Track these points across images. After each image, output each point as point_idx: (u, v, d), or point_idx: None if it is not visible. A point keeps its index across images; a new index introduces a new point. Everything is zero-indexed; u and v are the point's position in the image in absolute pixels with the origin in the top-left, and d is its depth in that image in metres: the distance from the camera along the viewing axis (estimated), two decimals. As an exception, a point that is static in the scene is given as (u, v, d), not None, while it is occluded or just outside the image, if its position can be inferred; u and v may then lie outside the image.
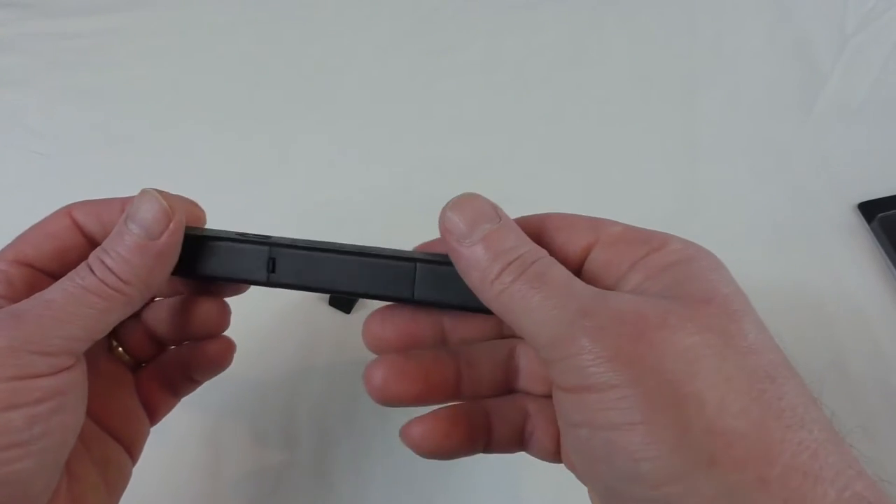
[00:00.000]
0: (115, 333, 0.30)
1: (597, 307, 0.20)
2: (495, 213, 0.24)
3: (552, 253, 0.23)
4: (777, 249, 0.47)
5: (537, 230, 0.24)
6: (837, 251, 0.47)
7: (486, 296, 0.22)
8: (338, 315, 0.45)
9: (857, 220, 0.48)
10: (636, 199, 0.50)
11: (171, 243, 0.25)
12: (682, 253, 0.22)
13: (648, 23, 0.61)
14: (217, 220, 0.51)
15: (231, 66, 0.60)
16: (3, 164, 0.54)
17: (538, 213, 0.26)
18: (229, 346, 0.32)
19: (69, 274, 0.24)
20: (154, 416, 0.31)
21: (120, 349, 0.30)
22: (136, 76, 0.59)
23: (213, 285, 0.30)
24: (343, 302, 0.45)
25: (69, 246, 0.27)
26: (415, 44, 0.61)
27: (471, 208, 0.24)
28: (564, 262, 0.23)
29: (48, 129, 0.56)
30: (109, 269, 0.24)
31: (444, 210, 0.24)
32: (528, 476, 0.39)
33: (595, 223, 0.24)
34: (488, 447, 0.26)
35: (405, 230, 0.49)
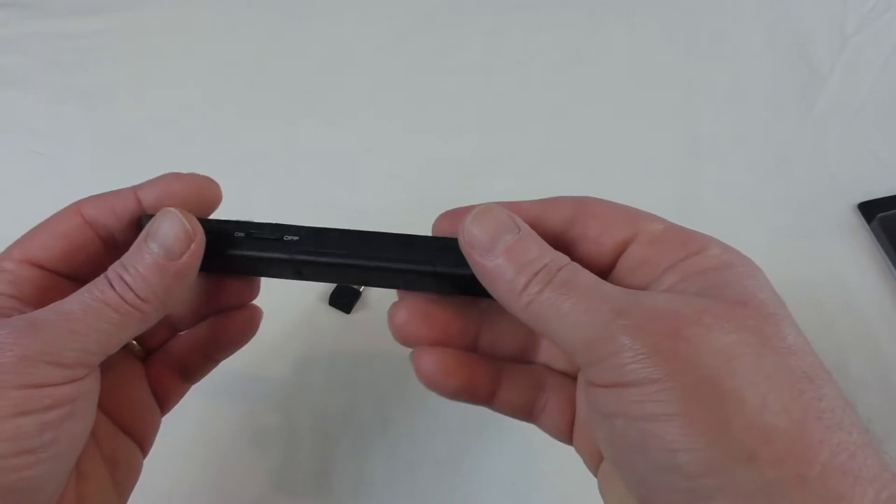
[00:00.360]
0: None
1: (630, 306, 0.20)
2: (514, 223, 0.23)
3: (585, 242, 0.23)
4: (777, 249, 0.47)
5: (572, 215, 0.24)
6: (837, 251, 0.47)
7: (515, 307, 0.22)
8: (338, 315, 0.45)
9: (857, 220, 0.48)
10: (636, 198, 0.50)
11: (191, 264, 0.25)
12: (720, 258, 0.22)
13: (648, 22, 0.61)
14: (218, 217, 0.51)
15: (231, 65, 0.60)
16: (3, 164, 0.54)
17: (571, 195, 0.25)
18: (256, 312, 0.31)
19: (88, 286, 0.24)
20: (165, 405, 0.30)
21: (132, 340, 0.30)
22: (136, 76, 0.59)
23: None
24: (343, 302, 0.45)
25: (80, 245, 0.26)
26: (415, 43, 0.61)
27: (491, 221, 0.23)
28: (598, 254, 0.23)
29: (48, 129, 0.56)
30: (128, 285, 0.23)
31: (463, 224, 0.24)
32: (529, 477, 0.39)
33: (633, 217, 0.24)
34: (492, 403, 0.26)
35: (405, 230, 0.49)
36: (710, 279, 0.21)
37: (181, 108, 0.57)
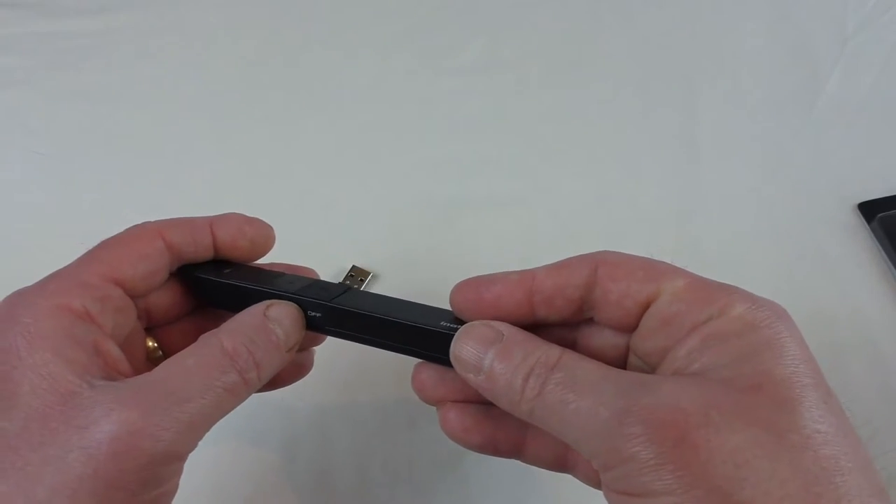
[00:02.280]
0: (155, 334, 0.29)
1: (633, 408, 0.19)
2: (497, 334, 0.23)
3: (607, 306, 0.23)
4: (777, 249, 0.47)
5: (589, 277, 0.23)
6: (837, 251, 0.47)
7: (522, 417, 0.22)
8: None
9: (857, 220, 0.48)
10: (636, 198, 0.50)
11: (293, 356, 0.26)
12: (743, 321, 0.20)
13: (648, 22, 0.61)
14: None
15: (231, 65, 0.60)
16: (3, 164, 0.54)
17: (584, 251, 0.24)
18: (310, 355, 0.32)
19: (204, 356, 0.23)
20: None
21: (160, 352, 0.29)
22: (136, 76, 0.59)
23: None
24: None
25: (160, 268, 0.26)
26: (415, 43, 0.61)
27: (470, 340, 0.23)
28: (622, 316, 0.22)
29: (48, 129, 0.56)
30: (256, 362, 0.24)
31: (451, 349, 0.24)
32: (529, 478, 0.39)
33: (654, 273, 0.22)
34: (520, 457, 0.26)
35: (405, 229, 0.49)
36: (729, 350, 0.20)
37: (181, 109, 0.57)
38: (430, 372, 0.26)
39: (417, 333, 0.25)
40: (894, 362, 0.42)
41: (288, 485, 0.40)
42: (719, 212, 0.49)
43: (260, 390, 0.29)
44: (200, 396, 0.22)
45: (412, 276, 0.46)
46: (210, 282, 0.27)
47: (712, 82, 0.57)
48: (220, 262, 0.29)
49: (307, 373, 0.32)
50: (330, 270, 0.46)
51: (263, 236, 0.30)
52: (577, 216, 0.50)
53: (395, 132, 0.55)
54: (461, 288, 0.25)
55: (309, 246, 0.48)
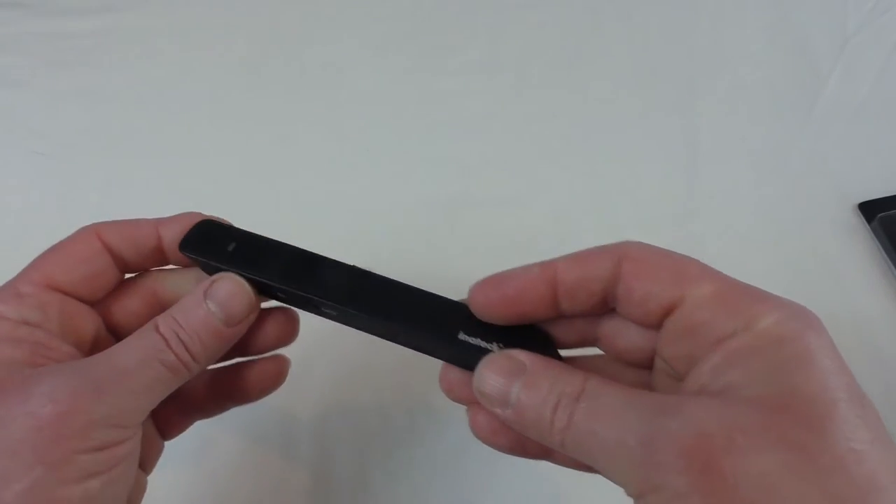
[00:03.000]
0: None
1: (658, 435, 0.18)
2: (520, 364, 0.22)
3: (630, 305, 0.22)
4: (777, 249, 0.47)
5: (612, 270, 0.22)
6: (837, 251, 0.47)
7: (553, 447, 0.21)
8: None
9: (857, 220, 0.48)
10: (636, 199, 0.50)
11: (244, 331, 0.26)
12: (770, 335, 0.19)
13: (648, 22, 0.61)
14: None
15: (231, 65, 0.60)
16: (3, 164, 0.54)
17: (607, 240, 0.23)
18: (283, 364, 0.30)
19: (139, 339, 0.24)
20: (169, 434, 0.30)
21: None
22: (136, 76, 0.59)
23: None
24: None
25: (99, 271, 0.26)
26: (415, 43, 0.61)
27: (493, 374, 0.22)
28: (644, 316, 0.22)
29: (48, 129, 0.56)
30: (185, 345, 0.24)
31: (473, 384, 0.23)
32: (529, 478, 0.39)
33: (680, 275, 0.21)
34: (550, 458, 0.26)
35: (406, 229, 0.49)
36: (756, 367, 0.19)
37: (181, 108, 0.57)
38: (458, 373, 0.25)
39: (434, 344, 0.25)
40: (894, 361, 0.42)
41: (288, 485, 0.40)
42: (719, 212, 0.49)
43: (234, 398, 0.30)
44: (139, 370, 0.23)
45: (412, 277, 0.46)
46: (208, 265, 0.27)
47: (712, 82, 0.57)
48: (219, 231, 0.27)
49: (279, 383, 0.30)
50: (330, 270, 0.46)
51: None
52: (577, 216, 0.50)
53: (395, 132, 0.55)
54: (482, 287, 0.24)
55: (309, 246, 0.48)
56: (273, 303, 0.28)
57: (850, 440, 0.17)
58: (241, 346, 0.28)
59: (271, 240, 0.27)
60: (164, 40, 0.61)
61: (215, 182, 0.52)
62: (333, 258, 0.27)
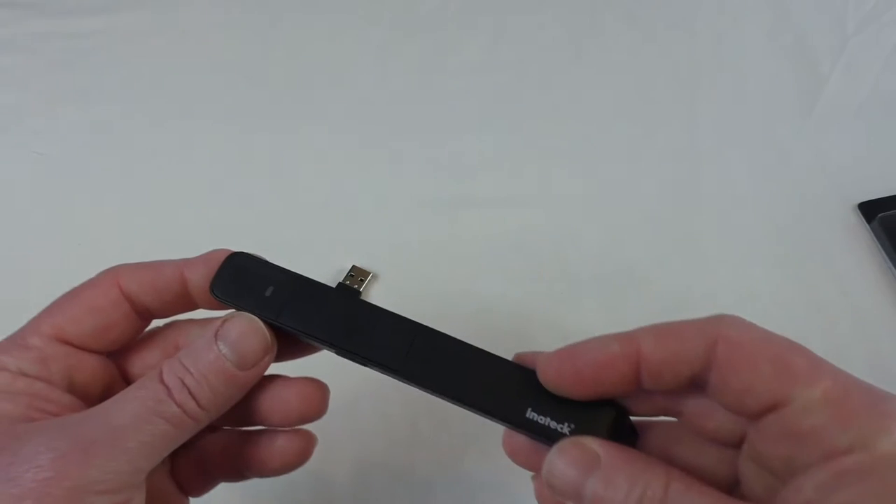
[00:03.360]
0: None
1: None
2: (592, 454, 0.20)
3: (724, 395, 0.19)
4: (777, 249, 0.47)
5: (704, 355, 0.20)
6: (837, 251, 0.47)
7: None
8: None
9: (857, 220, 0.48)
10: (636, 199, 0.50)
11: (259, 376, 0.23)
12: (881, 462, 0.17)
13: (648, 23, 0.61)
14: (218, 219, 0.51)
15: (231, 65, 0.60)
16: (3, 164, 0.54)
17: (704, 313, 0.21)
18: (310, 442, 0.27)
19: (138, 389, 0.22)
20: (192, 492, 0.27)
21: None
22: (136, 76, 0.59)
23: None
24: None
25: (114, 321, 0.24)
26: (415, 43, 0.61)
27: (564, 466, 0.20)
28: (739, 409, 0.19)
29: (48, 129, 0.56)
30: (191, 393, 0.22)
31: (543, 477, 0.21)
32: (527, 478, 0.39)
33: (787, 371, 0.18)
34: None
35: (405, 229, 0.49)
36: (872, 492, 0.17)
37: (181, 109, 0.57)
38: (523, 439, 0.23)
39: (499, 419, 0.23)
40: (894, 362, 0.42)
41: (288, 485, 0.40)
42: (719, 212, 0.49)
43: (252, 468, 0.27)
44: (135, 426, 0.21)
45: (412, 277, 0.46)
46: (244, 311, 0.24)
47: (712, 82, 0.57)
48: (254, 267, 0.25)
49: (302, 461, 0.27)
50: (330, 270, 0.46)
51: None
52: (577, 216, 0.50)
53: (395, 132, 0.55)
54: (553, 362, 0.22)
55: (309, 246, 0.48)
56: (300, 364, 0.26)
57: None
58: (262, 415, 0.26)
59: (314, 282, 0.25)
60: (163, 40, 0.61)
61: (215, 182, 0.52)
62: (385, 308, 0.24)
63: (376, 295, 0.46)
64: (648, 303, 0.45)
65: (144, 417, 0.21)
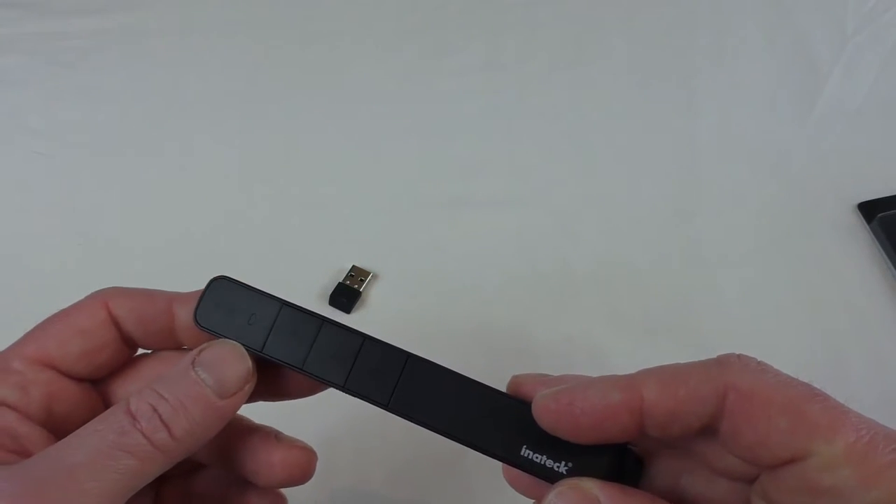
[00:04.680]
0: None
1: None
2: (591, 499, 0.19)
3: (736, 446, 0.18)
4: (777, 249, 0.47)
5: (714, 406, 0.18)
6: (837, 251, 0.47)
7: None
8: (338, 315, 0.45)
9: (857, 220, 0.48)
10: (636, 199, 0.50)
11: (239, 405, 0.22)
12: None
13: (648, 22, 0.61)
14: (218, 219, 0.51)
15: (231, 65, 0.60)
16: (3, 164, 0.54)
17: (712, 353, 0.19)
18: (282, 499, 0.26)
19: (100, 421, 0.20)
20: None
21: None
22: (135, 76, 0.59)
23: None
24: (343, 301, 0.45)
25: (102, 345, 0.23)
26: (415, 44, 0.61)
27: None
28: (753, 460, 0.18)
29: (48, 129, 0.56)
30: (164, 422, 0.20)
31: None
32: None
33: (804, 423, 0.17)
34: None
35: (406, 229, 0.49)
36: None
37: (181, 108, 0.57)
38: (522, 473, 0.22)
39: (493, 455, 0.22)
40: (894, 362, 0.42)
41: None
42: (719, 212, 0.49)
43: None
44: (93, 463, 0.18)
45: (412, 276, 0.46)
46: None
47: (712, 82, 0.57)
48: (237, 293, 0.23)
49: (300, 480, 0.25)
50: (330, 270, 0.46)
51: None
52: (577, 216, 0.50)
53: (395, 132, 0.55)
54: (550, 405, 0.20)
55: (309, 246, 0.48)
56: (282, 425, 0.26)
57: None
58: (246, 473, 0.24)
59: (300, 309, 0.23)
60: (163, 40, 0.61)
61: (215, 182, 0.52)
62: (373, 336, 0.23)
63: (377, 293, 0.46)
64: (648, 303, 0.45)
65: (105, 453, 0.19)
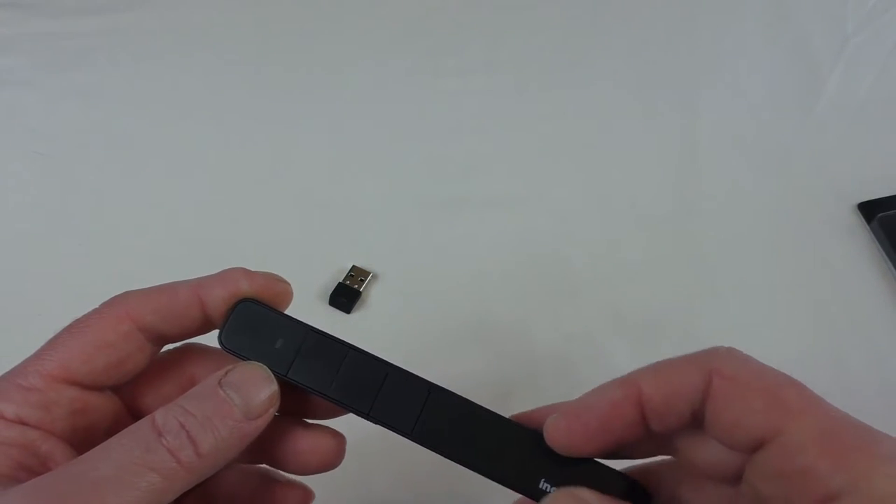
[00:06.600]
0: None
1: None
2: None
3: (717, 430, 0.19)
4: (777, 249, 0.47)
5: (702, 389, 0.19)
6: (837, 251, 0.47)
7: None
8: (338, 315, 0.45)
9: (857, 220, 0.48)
10: (636, 199, 0.50)
11: (263, 427, 0.21)
12: (885, 499, 0.16)
13: (648, 23, 0.61)
14: (218, 219, 0.51)
15: (231, 65, 0.60)
16: (3, 164, 0.54)
17: (694, 348, 0.20)
18: (307, 498, 0.26)
19: (125, 436, 0.19)
20: None
21: None
22: (136, 76, 0.59)
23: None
24: (343, 302, 0.45)
25: (125, 356, 0.23)
26: (415, 44, 0.61)
27: None
28: (732, 444, 0.19)
29: (48, 129, 0.55)
30: (191, 438, 0.19)
31: None
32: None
33: (778, 404, 0.18)
34: None
35: (405, 229, 0.49)
36: None
37: (181, 109, 0.57)
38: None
39: (511, 487, 0.23)
40: (894, 362, 0.42)
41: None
42: (719, 212, 0.49)
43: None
44: (117, 480, 0.18)
45: (412, 276, 0.46)
46: None
47: (712, 82, 0.57)
48: (265, 317, 0.24)
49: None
50: (330, 270, 0.46)
51: (269, 295, 0.24)
52: (577, 216, 0.50)
53: (396, 132, 0.55)
54: (562, 424, 0.21)
55: (309, 246, 0.48)
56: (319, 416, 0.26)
57: None
58: (274, 461, 0.25)
59: (325, 335, 0.24)
60: (164, 40, 0.61)
61: (215, 182, 0.52)
62: (398, 365, 0.23)
63: (377, 294, 0.46)
64: (648, 303, 0.45)
65: (129, 469, 0.18)
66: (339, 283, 0.45)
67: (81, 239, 0.49)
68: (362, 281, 0.45)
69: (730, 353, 0.20)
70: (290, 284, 0.25)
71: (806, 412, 0.18)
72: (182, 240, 0.48)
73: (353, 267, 0.46)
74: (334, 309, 0.45)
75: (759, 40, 0.59)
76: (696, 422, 0.20)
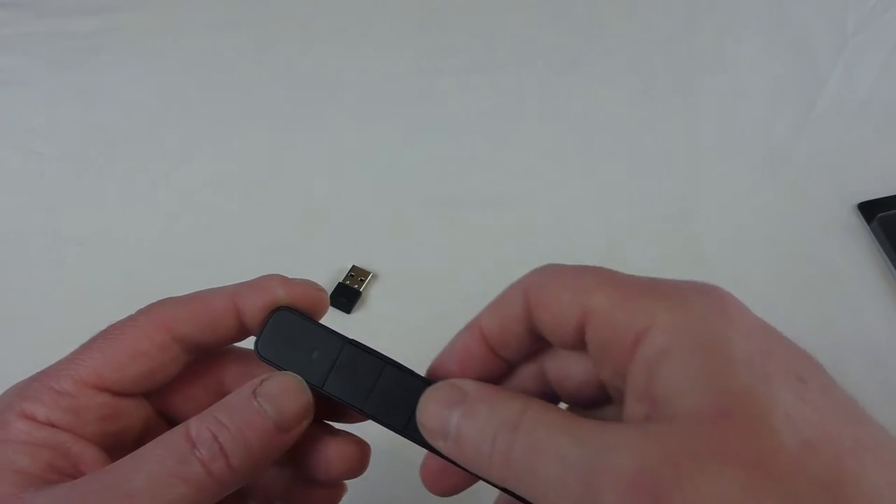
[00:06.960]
0: None
1: (599, 473, 0.16)
2: (459, 392, 0.20)
3: (550, 335, 0.20)
4: (777, 249, 0.47)
5: (524, 308, 0.20)
6: (837, 251, 0.47)
7: (495, 483, 0.19)
8: (338, 315, 0.45)
9: (857, 220, 0.48)
10: (636, 198, 0.50)
11: (295, 439, 0.21)
12: (671, 336, 0.17)
13: (648, 22, 0.61)
14: (218, 219, 0.51)
15: (230, 65, 0.60)
16: (3, 164, 0.54)
17: (524, 267, 0.21)
18: (340, 491, 0.26)
19: (158, 446, 0.20)
20: None
21: None
22: (136, 76, 0.59)
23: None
24: (343, 302, 0.45)
25: (159, 366, 0.22)
26: (415, 43, 0.61)
27: (433, 404, 0.20)
28: (566, 343, 0.20)
29: (48, 129, 0.56)
30: (224, 450, 0.19)
31: (416, 420, 0.21)
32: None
33: (580, 289, 0.19)
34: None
35: (405, 229, 0.49)
36: (675, 375, 0.17)
37: (180, 108, 0.57)
38: (438, 461, 0.22)
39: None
40: (894, 362, 0.42)
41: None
42: (719, 212, 0.49)
43: None
44: (151, 492, 0.18)
45: (412, 276, 0.46)
46: None
47: (712, 82, 0.57)
48: (300, 326, 0.23)
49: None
50: (330, 270, 0.46)
51: (307, 303, 0.24)
52: (577, 216, 0.50)
53: (395, 132, 0.55)
54: (433, 377, 0.22)
55: (309, 246, 0.48)
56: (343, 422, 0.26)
57: (798, 430, 0.15)
58: (299, 466, 0.24)
59: (363, 346, 0.23)
60: (164, 40, 0.61)
61: (215, 182, 0.52)
62: (432, 380, 0.23)
63: (377, 294, 0.46)
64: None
65: (162, 480, 0.19)
66: (339, 283, 0.45)
67: (81, 239, 0.49)
68: (362, 281, 0.45)
69: (540, 268, 0.20)
70: (326, 292, 0.25)
71: (601, 285, 0.19)
72: (181, 240, 0.48)
73: (353, 267, 0.46)
74: (334, 309, 0.45)
75: (759, 40, 0.59)
76: (541, 338, 0.21)
